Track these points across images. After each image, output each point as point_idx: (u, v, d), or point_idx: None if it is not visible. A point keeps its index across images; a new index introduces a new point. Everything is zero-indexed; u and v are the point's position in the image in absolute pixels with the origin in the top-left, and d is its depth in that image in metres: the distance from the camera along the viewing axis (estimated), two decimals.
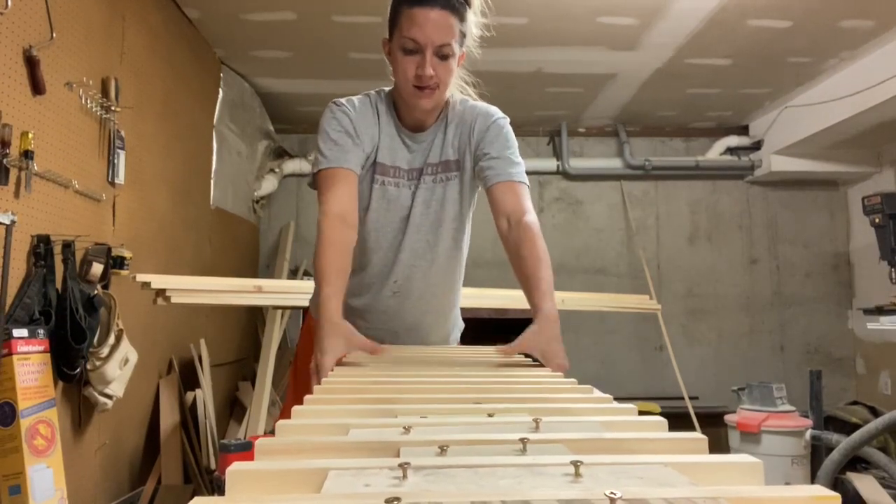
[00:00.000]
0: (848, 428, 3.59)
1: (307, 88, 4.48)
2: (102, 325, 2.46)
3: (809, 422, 3.24)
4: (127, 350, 2.55)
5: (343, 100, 1.42)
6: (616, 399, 0.82)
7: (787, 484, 0.73)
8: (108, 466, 2.71)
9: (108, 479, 2.71)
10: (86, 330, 2.27)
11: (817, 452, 3.22)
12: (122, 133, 2.73)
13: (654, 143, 5.38)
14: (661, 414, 0.73)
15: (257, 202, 4.86)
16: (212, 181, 3.92)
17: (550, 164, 5.23)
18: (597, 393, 0.88)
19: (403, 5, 1.29)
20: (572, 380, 1.01)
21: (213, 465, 3.14)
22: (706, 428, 3.93)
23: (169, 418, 3.10)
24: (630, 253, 5.25)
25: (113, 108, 2.64)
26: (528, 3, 3.27)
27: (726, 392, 4.10)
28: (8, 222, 2.02)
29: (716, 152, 5.21)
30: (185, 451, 3.08)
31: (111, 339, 2.47)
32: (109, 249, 2.57)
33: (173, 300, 2.54)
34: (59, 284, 2.26)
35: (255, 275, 4.82)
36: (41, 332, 2.11)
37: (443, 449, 0.55)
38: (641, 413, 0.73)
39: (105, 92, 2.63)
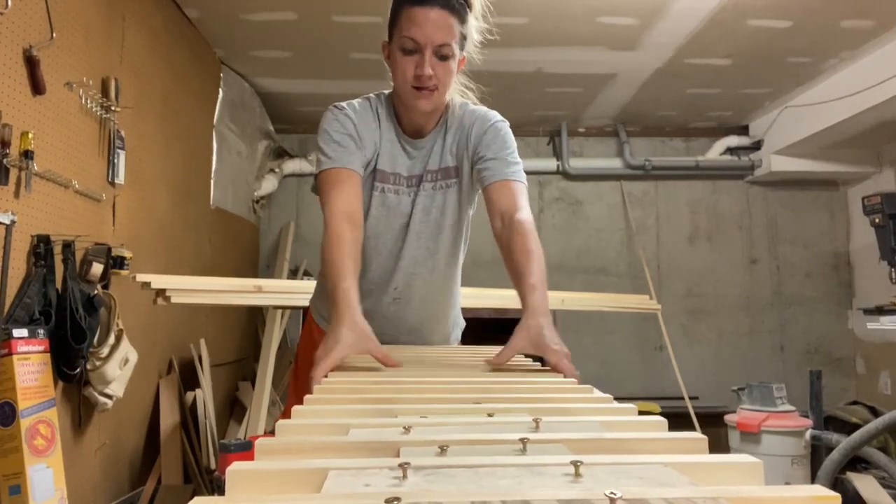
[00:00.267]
0: (848, 428, 3.59)
1: (307, 88, 4.48)
2: (102, 325, 2.46)
3: (809, 422, 3.24)
4: (127, 350, 2.55)
5: (344, 104, 1.40)
6: (616, 399, 0.82)
7: (787, 484, 0.73)
8: (108, 466, 2.71)
9: (108, 479, 2.71)
10: (86, 330, 2.27)
11: (817, 452, 3.23)
12: (122, 133, 2.73)
13: (654, 143, 5.38)
14: (661, 414, 0.73)
15: (257, 202, 4.86)
16: (212, 181, 3.92)
17: (550, 164, 5.23)
18: (597, 393, 0.88)
19: (403, 6, 1.29)
20: (572, 379, 1.01)
21: (213, 465, 3.14)
22: (706, 428, 3.93)
23: (169, 418, 3.10)
24: (630, 253, 5.25)
25: (113, 108, 2.64)
26: (528, 3, 3.27)
27: (726, 392, 4.11)
28: (8, 222, 2.02)
29: (716, 152, 5.21)
30: (185, 451, 3.08)
31: (111, 339, 2.47)
32: (109, 249, 2.57)
33: (173, 300, 2.54)
34: (59, 284, 2.26)
35: (255, 275, 4.82)
36: (41, 332, 2.11)
37: (443, 449, 0.55)
38: (641, 413, 0.73)
39: (105, 92, 2.63)
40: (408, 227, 1.43)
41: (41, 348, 2.09)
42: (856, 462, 3.31)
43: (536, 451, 0.55)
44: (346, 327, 1.10)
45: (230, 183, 4.24)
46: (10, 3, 2.02)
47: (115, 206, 2.72)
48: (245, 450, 2.29)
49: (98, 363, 2.41)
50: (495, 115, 1.44)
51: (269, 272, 4.90)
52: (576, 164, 5.24)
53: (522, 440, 0.56)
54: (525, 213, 1.32)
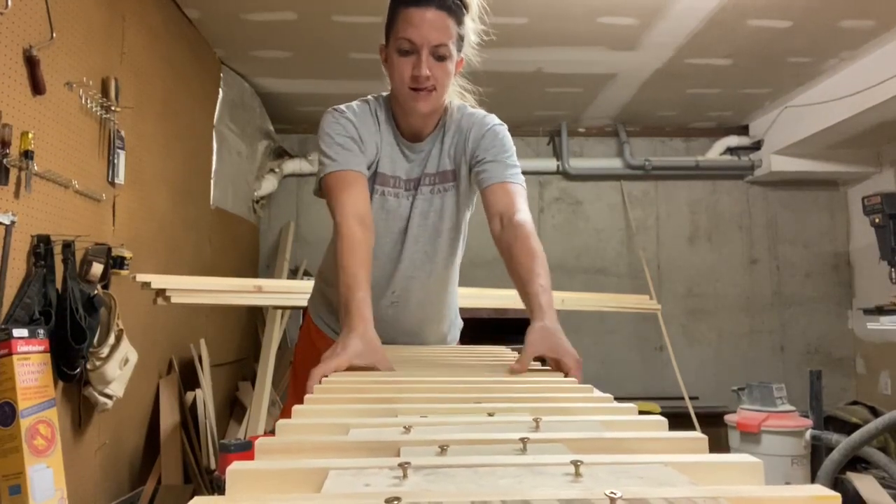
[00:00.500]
0: (848, 428, 3.59)
1: (307, 88, 4.48)
2: (102, 325, 2.46)
3: (809, 422, 3.24)
4: (127, 350, 2.55)
5: (342, 106, 1.39)
6: (616, 399, 0.82)
7: (787, 484, 0.73)
8: (108, 466, 2.71)
9: (108, 479, 2.71)
10: (86, 330, 2.27)
11: (817, 452, 3.22)
12: (122, 133, 2.73)
13: (654, 143, 5.38)
14: (661, 414, 0.73)
15: (257, 202, 4.86)
16: (212, 181, 3.92)
17: (550, 164, 5.23)
18: (597, 393, 0.88)
19: (399, 7, 1.28)
20: (572, 379, 1.01)
21: (213, 465, 3.14)
22: (706, 428, 3.92)
23: (169, 418, 3.10)
24: (630, 253, 5.25)
25: (113, 108, 2.64)
26: (528, 3, 3.27)
27: (726, 392, 4.10)
28: (8, 222, 2.02)
29: (716, 152, 5.21)
30: (185, 451, 3.08)
31: (111, 339, 2.47)
32: (109, 249, 2.57)
33: (173, 300, 2.54)
34: (59, 284, 2.26)
35: (255, 275, 4.82)
36: (41, 332, 2.11)
37: (443, 448, 0.55)
38: (641, 413, 0.73)
39: (105, 92, 2.63)
40: (406, 231, 1.43)
41: (41, 348, 2.09)
42: (856, 462, 3.30)
43: (537, 451, 0.55)
44: (358, 337, 1.09)
45: (230, 183, 4.24)
46: (10, 3, 2.02)
47: (115, 206, 2.72)
48: (245, 450, 2.29)
49: (98, 363, 2.41)
50: (493, 119, 1.43)
51: (269, 272, 4.90)
52: (576, 164, 5.24)
53: (523, 440, 0.56)
54: (524, 215, 1.31)
